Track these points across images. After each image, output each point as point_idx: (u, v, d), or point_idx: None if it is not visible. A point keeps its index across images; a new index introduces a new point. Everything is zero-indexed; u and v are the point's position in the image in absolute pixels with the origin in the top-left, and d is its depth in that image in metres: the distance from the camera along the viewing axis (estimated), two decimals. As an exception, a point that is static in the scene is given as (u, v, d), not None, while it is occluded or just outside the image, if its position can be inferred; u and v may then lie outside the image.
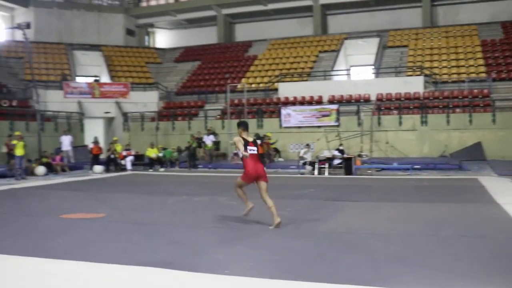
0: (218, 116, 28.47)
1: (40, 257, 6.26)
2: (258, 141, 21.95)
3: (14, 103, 26.28)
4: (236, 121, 25.51)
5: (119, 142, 23.95)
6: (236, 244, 7.01)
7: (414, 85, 26.80)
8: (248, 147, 8.23)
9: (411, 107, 25.40)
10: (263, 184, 8.19)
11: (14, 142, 19.08)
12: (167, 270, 5.57)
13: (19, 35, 28.32)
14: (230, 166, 22.85)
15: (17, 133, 20.26)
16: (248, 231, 8.03)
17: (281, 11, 38.53)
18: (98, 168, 21.84)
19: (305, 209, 10.36)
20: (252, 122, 26.34)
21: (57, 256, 6.29)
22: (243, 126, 8.47)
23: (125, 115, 30.30)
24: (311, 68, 32.05)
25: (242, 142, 8.20)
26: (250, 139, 8.36)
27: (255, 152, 8.38)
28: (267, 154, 23.35)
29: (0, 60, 31.72)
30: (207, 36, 40.98)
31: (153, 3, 41.81)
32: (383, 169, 20.06)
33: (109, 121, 32.36)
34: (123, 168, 22.69)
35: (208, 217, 9.40)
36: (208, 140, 24.70)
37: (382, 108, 26.04)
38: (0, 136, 22.91)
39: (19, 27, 24.83)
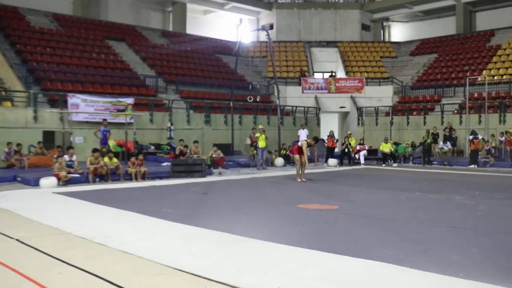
0: (456, 111, 27.04)
1: (277, 243, 6.65)
2: (472, 137, 20.72)
3: (258, 98, 28.41)
4: (475, 115, 24.29)
5: (353, 136, 24.35)
6: (472, 246, 6.58)
7: None
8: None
9: None
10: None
11: (257, 134, 20.70)
12: (398, 267, 5.47)
13: (262, 36, 30.66)
14: (468, 164, 21.59)
15: (260, 126, 21.97)
16: (486, 233, 7.47)
17: (530, -7, 34.85)
18: (332, 161, 22.46)
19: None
20: (493, 117, 24.59)
21: (293, 243, 6.62)
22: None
23: (359, 109, 30.65)
24: None
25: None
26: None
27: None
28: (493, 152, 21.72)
29: (246, 60, 34.65)
30: (445, 27, 39.06)
31: (388, -4, 41.38)
32: None
33: (344, 115, 33.08)
34: (357, 162, 23.03)
35: (442, 216, 9.05)
36: (443, 146, 23.93)
37: None
38: (246, 129, 25.14)
39: (263, 28, 26.88)
